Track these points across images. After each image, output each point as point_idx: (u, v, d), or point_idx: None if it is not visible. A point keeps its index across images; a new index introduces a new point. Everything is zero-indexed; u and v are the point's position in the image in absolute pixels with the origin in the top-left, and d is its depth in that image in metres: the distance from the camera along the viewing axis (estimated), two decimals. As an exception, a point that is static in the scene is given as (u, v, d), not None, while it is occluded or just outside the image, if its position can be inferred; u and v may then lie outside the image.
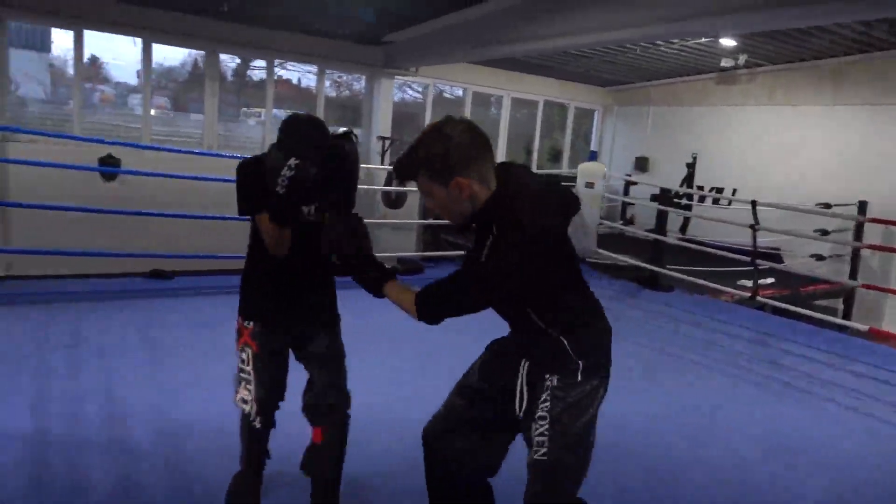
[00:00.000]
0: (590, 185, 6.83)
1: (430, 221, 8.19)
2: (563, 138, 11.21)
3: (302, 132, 2.25)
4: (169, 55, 7.39)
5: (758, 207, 5.96)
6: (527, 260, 1.74)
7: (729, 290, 6.36)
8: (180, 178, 6.18)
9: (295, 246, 2.31)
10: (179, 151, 6.59)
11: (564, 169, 10.81)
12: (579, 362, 1.87)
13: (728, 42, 7.67)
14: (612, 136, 11.09)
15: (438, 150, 1.76)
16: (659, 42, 7.88)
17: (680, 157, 9.87)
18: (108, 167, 6.81)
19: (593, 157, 8.02)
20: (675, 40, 7.79)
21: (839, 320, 6.77)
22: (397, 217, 8.26)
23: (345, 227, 2.01)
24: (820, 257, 8.30)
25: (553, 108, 10.90)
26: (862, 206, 7.85)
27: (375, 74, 8.77)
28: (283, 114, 10.41)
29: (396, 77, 8.98)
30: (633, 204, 9.79)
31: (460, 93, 10.14)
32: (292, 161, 2.15)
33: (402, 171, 1.86)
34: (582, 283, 1.97)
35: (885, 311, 7.69)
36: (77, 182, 6.36)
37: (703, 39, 7.73)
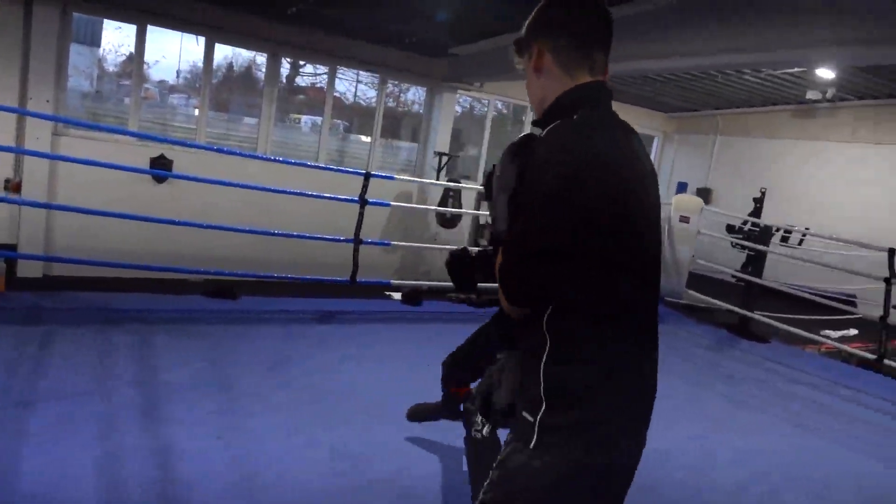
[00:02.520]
0: (684, 219, 6.29)
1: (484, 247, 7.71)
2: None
3: None
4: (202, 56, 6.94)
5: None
6: (573, 185, 1.22)
7: (843, 347, 5.78)
8: (236, 187, 5.68)
9: None
10: (243, 155, 6.09)
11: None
12: (538, 418, 1.26)
13: (825, 74, 7.19)
14: (670, 165, 10.60)
15: (537, 13, 1.43)
16: (746, 70, 7.41)
17: (745, 191, 9.33)
18: (161, 168, 6.39)
19: (683, 188, 7.45)
20: (766, 69, 7.32)
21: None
22: (450, 237, 7.80)
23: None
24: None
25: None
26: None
27: (437, 87, 8.34)
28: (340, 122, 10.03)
29: (459, 91, 8.55)
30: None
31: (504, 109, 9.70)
32: None
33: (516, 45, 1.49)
34: (634, 314, 1.35)
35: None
36: (127, 182, 5.98)
37: (796, 70, 7.26)
